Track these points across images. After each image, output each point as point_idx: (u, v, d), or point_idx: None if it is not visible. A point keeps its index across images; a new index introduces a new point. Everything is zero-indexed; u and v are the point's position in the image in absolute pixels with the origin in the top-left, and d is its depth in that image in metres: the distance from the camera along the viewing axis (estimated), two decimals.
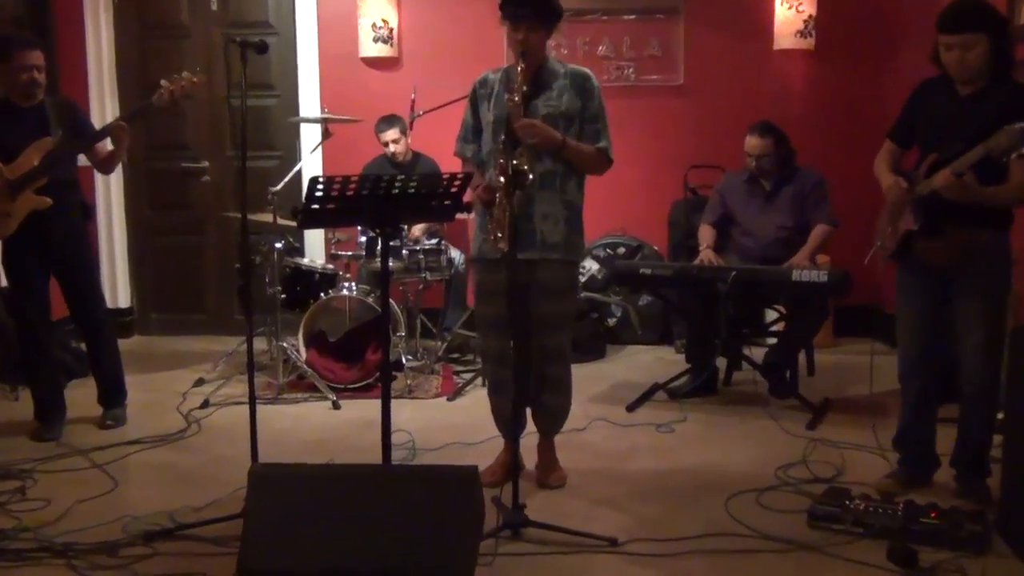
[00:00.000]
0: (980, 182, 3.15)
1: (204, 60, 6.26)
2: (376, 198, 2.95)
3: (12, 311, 4.43)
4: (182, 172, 6.36)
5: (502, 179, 3.24)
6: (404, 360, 5.20)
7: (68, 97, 5.03)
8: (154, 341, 6.34)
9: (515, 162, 3.20)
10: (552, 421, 3.77)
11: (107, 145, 4.33)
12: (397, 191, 2.95)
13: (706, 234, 5.00)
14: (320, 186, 2.88)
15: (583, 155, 3.54)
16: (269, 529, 2.60)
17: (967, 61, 3.19)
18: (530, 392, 3.67)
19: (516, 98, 3.36)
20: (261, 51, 3.40)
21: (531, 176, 3.26)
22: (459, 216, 3.25)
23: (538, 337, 3.59)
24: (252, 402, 3.38)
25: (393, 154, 5.61)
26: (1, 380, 5.09)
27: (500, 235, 3.33)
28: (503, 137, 3.31)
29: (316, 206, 2.91)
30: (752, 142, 4.84)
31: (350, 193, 2.93)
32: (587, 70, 3.60)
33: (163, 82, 4.09)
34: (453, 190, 3.03)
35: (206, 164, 6.34)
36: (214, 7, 6.26)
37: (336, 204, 2.94)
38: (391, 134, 5.57)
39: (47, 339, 4.43)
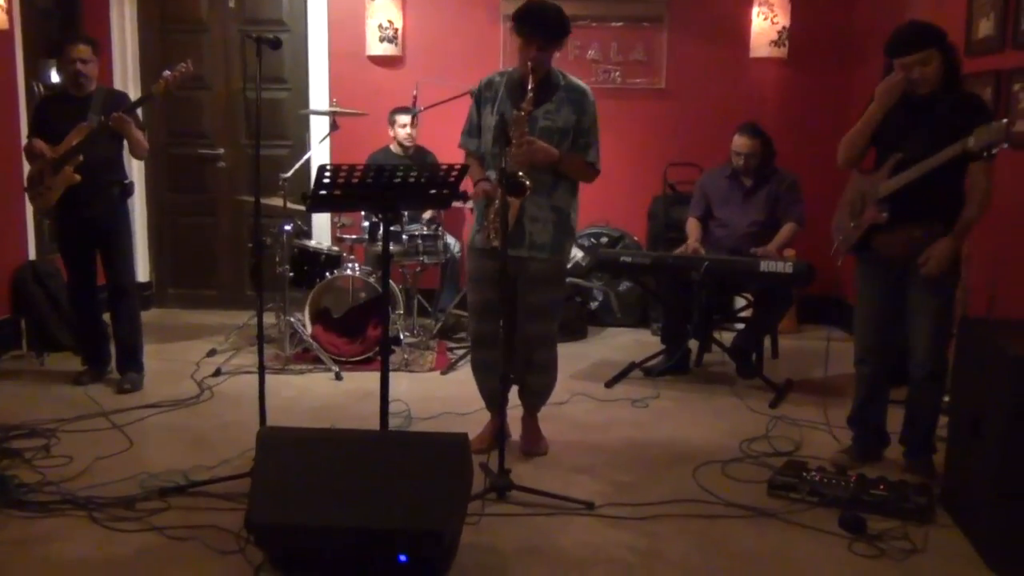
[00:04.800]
0: (933, 180, 3.20)
1: (221, 54, 6.26)
2: (379, 186, 2.97)
3: (67, 278, 4.66)
4: (199, 158, 6.35)
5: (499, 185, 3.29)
6: (402, 336, 5.22)
7: (118, 90, 5.10)
8: (171, 314, 6.34)
9: (520, 173, 3.27)
10: (536, 399, 3.79)
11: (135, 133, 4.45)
12: (399, 180, 2.97)
13: (693, 227, 4.98)
14: (328, 173, 2.89)
15: (574, 167, 3.56)
16: (275, 487, 2.62)
17: (927, 74, 3.22)
18: (516, 373, 3.71)
19: (523, 113, 3.37)
20: (275, 47, 3.41)
21: (528, 185, 3.34)
22: (456, 204, 3.27)
23: (527, 325, 3.61)
24: (261, 371, 3.40)
25: (407, 136, 5.62)
26: (28, 347, 5.11)
27: (493, 235, 3.42)
28: (503, 146, 3.34)
29: (324, 192, 2.92)
30: (740, 141, 4.82)
31: (355, 180, 2.94)
32: (584, 85, 3.58)
33: (165, 72, 4.29)
34: (451, 180, 3.04)
35: (222, 151, 6.34)
36: (231, 4, 6.23)
37: (342, 190, 2.95)
38: (407, 118, 5.59)
39: (93, 300, 4.64)
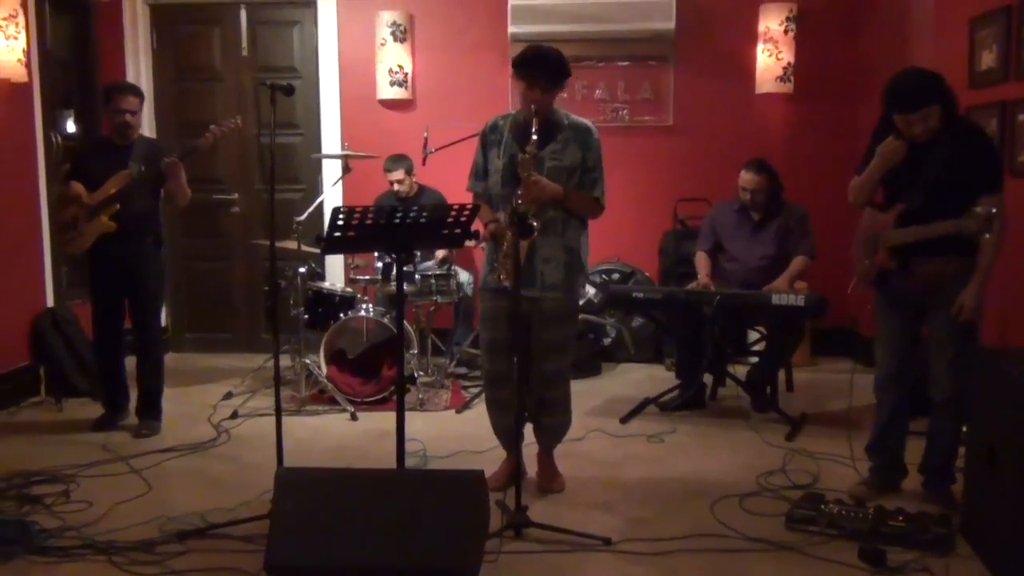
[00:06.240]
0: (941, 213, 3.22)
1: (235, 102, 6.37)
2: (392, 227, 3.01)
3: (93, 323, 4.65)
4: (214, 203, 6.43)
5: (509, 225, 3.35)
6: (416, 375, 5.24)
7: (159, 141, 5.25)
8: (187, 358, 6.38)
9: (520, 208, 3.30)
10: (551, 438, 3.80)
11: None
12: (411, 221, 3.01)
13: (702, 262, 5.00)
14: (342, 216, 2.94)
15: (581, 203, 3.60)
16: (294, 527, 2.63)
17: (928, 127, 3.26)
18: (529, 411, 3.72)
19: (528, 155, 3.41)
20: (288, 93, 3.49)
21: (536, 227, 3.37)
22: (468, 244, 3.31)
23: (540, 363, 3.63)
24: (278, 413, 3.42)
25: (397, 191, 5.69)
26: (46, 393, 5.15)
27: (504, 276, 3.46)
28: (512, 187, 3.40)
29: (338, 234, 2.97)
30: (747, 177, 4.86)
31: (369, 222, 2.99)
32: (589, 123, 3.62)
33: (212, 126, 4.32)
34: (463, 220, 3.08)
35: (236, 196, 6.42)
36: (244, 53, 6.35)
37: (356, 232, 3.00)
38: (397, 174, 5.64)
39: (118, 346, 4.65)
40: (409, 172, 5.67)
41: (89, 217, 4.38)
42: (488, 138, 3.66)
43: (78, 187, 4.41)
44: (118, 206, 4.36)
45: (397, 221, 2.99)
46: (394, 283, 5.13)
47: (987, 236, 3.09)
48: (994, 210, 3.08)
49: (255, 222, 6.40)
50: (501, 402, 3.71)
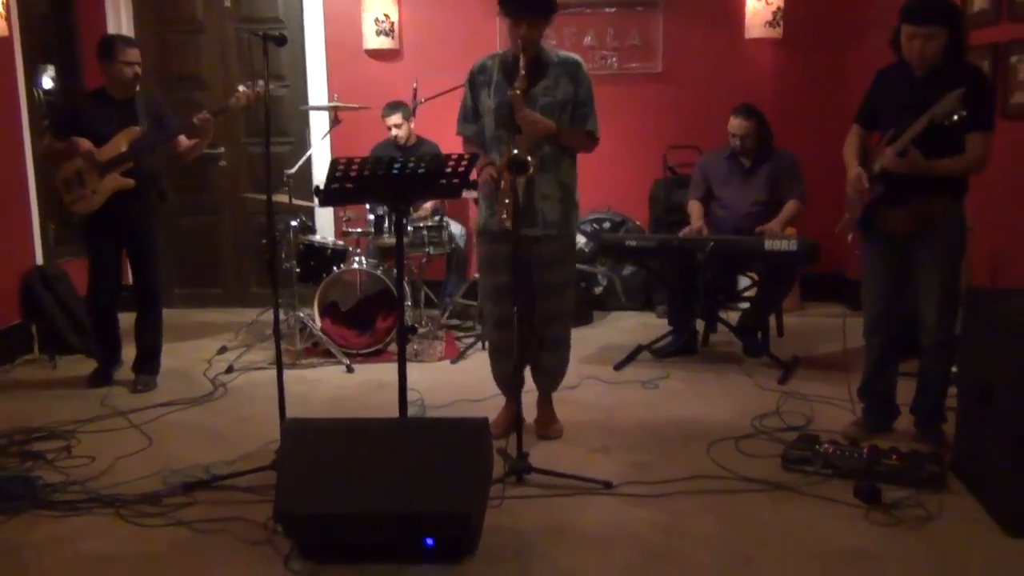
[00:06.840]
0: (934, 154, 3.23)
1: (218, 53, 6.29)
2: (390, 177, 3.00)
3: (89, 277, 4.60)
4: (200, 158, 6.23)
5: (506, 165, 3.32)
6: (416, 326, 5.25)
7: (154, 94, 5.19)
8: (178, 313, 6.32)
9: (516, 152, 3.27)
10: (551, 379, 3.83)
11: (184, 138, 4.47)
12: (410, 171, 3.00)
13: (695, 209, 5.01)
14: (341, 167, 2.93)
15: (575, 138, 3.60)
16: (302, 477, 2.66)
17: (928, 51, 3.25)
18: (531, 353, 3.74)
19: (518, 91, 3.37)
20: (281, 44, 3.45)
21: (532, 164, 3.35)
22: (464, 194, 3.30)
23: (542, 302, 3.64)
24: (279, 365, 3.42)
25: (396, 137, 5.65)
26: (40, 351, 5.14)
27: (506, 216, 3.43)
28: (506, 127, 3.37)
29: (337, 185, 2.96)
30: (736, 123, 4.87)
31: (367, 173, 2.97)
32: (577, 57, 3.60)
33: (240, 87, 4.20)
34: (460, 170, 3.07)
35: (222, 150, 6.34)
36: (227, 3, 6.24)
37: (355, 184, 2.99)
38: (394, 119, 5.62)
39: (114, 300, 4.63)
40: (407, 118, 5.63)
41: (100, 174, 4.29)
42: (476, 79, 3.62)
43: (86, 143, 4.27)
44: (132, 163, 4.30)
45: (396, 172, 2.98)
46: (386, 235, 5.16)
47: (964, 113, 3.10)
48: (961, 90, 3.09)
49: (242, 176, 6.35)
50: (506, 348, 3.69)
